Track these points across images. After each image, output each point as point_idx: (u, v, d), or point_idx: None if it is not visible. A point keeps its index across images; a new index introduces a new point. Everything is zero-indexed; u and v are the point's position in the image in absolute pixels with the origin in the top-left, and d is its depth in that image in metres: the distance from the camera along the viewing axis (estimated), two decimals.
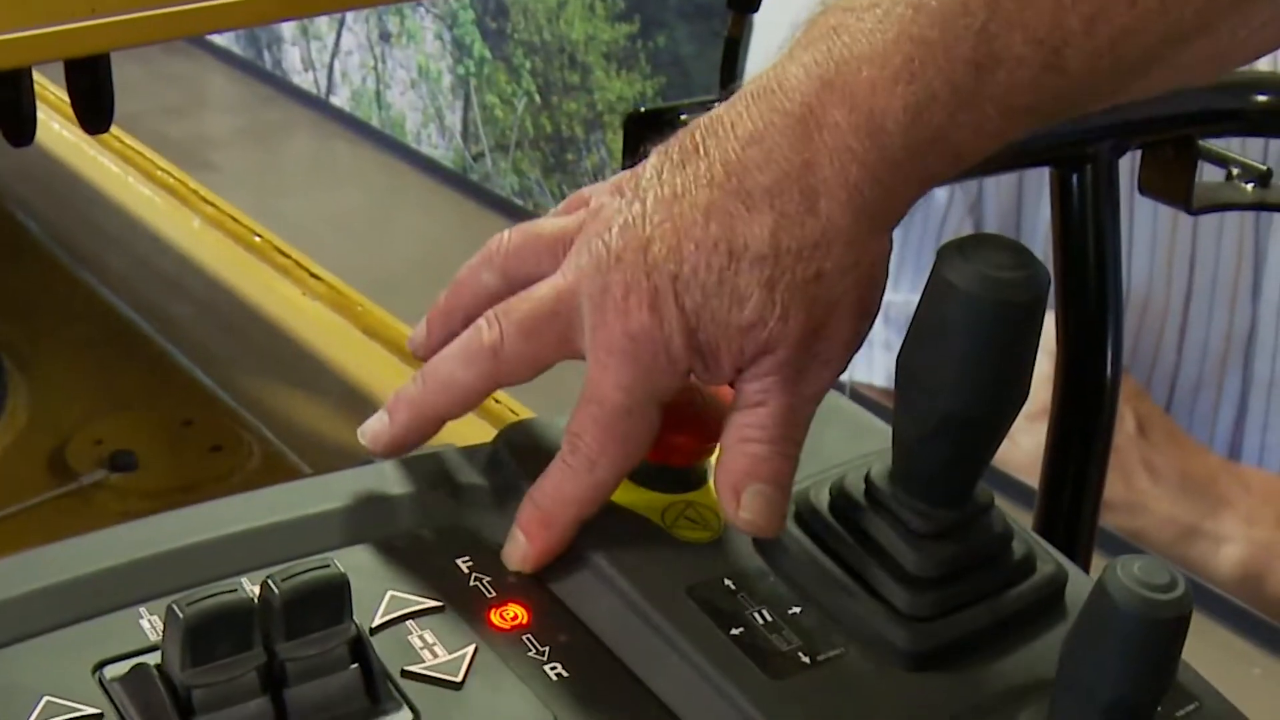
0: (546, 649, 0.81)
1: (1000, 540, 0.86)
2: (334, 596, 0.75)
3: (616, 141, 4.31)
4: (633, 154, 1.19)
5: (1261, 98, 1.27)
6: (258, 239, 1.85)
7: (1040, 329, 0.81)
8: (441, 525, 0.87)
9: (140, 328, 1.81)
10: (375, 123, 5.27)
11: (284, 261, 1.81)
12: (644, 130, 1.18)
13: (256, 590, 0.74)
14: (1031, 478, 1.34)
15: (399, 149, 5.18)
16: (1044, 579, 0.86)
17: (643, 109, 1.18)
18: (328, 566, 0.75)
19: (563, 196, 3.67)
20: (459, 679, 0.78)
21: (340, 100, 5.39)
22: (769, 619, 0.82)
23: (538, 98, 4.67)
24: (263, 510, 0.85)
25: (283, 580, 0.74)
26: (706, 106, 1.20)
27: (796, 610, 0.83)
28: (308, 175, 5.30)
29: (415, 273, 4.28)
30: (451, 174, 5.01)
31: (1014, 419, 0.82)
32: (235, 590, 0.73)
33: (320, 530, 0.85)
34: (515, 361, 0.85)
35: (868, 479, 0.85)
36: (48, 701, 0.74)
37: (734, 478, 0.83)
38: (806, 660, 0.81)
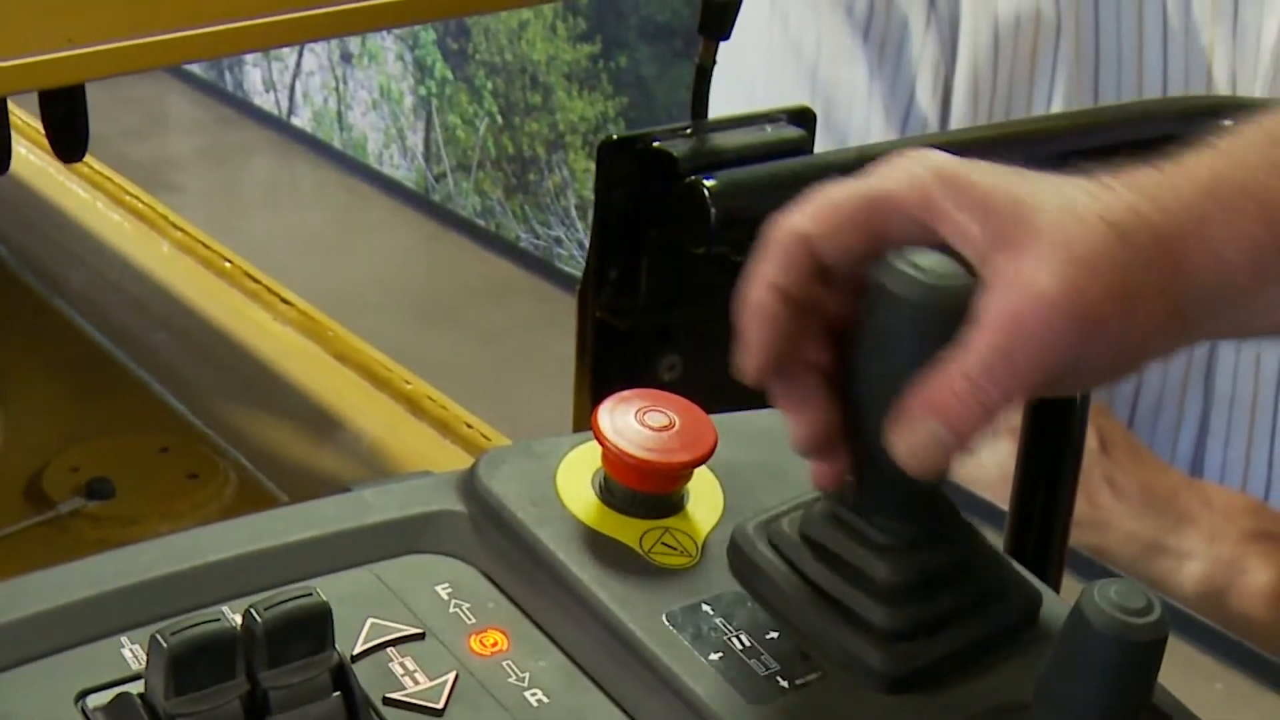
0: (527, 675, 0.81)
1: (971, 556, 0.86)
2: (316, 625, 0.75)
3: (579, 162, 4.32)
4: (605, 180, 1.20)
5: (1229, 123, 1.28)
6: (228, 264, 1.86)
7: None
8: (421, 551, 0.88)
9: (113, 355, 1.81)
10: (337, 144, 5.26)
11: (254, 287, 1.81)
12: (617, 157, 1.19)
13: (238, 619, 0.75)
14: (997, 497, 1.35)
15: (361, 170, 5.17)
16: (1018, 600, 0.87)
17: (615, 136, 1.19)
18: (310, 595, 0.75)
19: (525, 217, 3.67)
20: (440, 706, 0.79)
21: (302, 121, 5.39)
22: (747, 644, 0.83)
23: (499, 118, 4.67)
24: (243, 539, 0.86)
25: (265, 609, 0.74)
26: (679, 133, 1.22)
27: (774, 635, 0.84)
28: (269, 196, 5.29)
29: (378, 293, 4.28)
30: (413, 194, 5.01)
31: None
32: (219, 619, 0.73)
33: (300, 558, 0.85)
34: None
35: (828, 500, 0.86)
36: None
37: (924, 408, 0.79)
38: (785, 684, 0.81)
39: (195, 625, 0.73)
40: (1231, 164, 0.79)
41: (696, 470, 0.90)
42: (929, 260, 0.77)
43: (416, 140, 4.97)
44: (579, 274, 4.04)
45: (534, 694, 0.81)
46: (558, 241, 4.52)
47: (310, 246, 4.56)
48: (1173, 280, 0.78)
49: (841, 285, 0.81)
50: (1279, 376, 3.01)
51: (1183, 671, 2.72)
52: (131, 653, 0.79)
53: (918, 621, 0.83)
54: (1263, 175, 0.78)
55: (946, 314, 0.77)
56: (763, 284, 0.80)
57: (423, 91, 4.91)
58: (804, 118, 1.26)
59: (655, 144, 1.19)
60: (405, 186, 5.03)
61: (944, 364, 0.77)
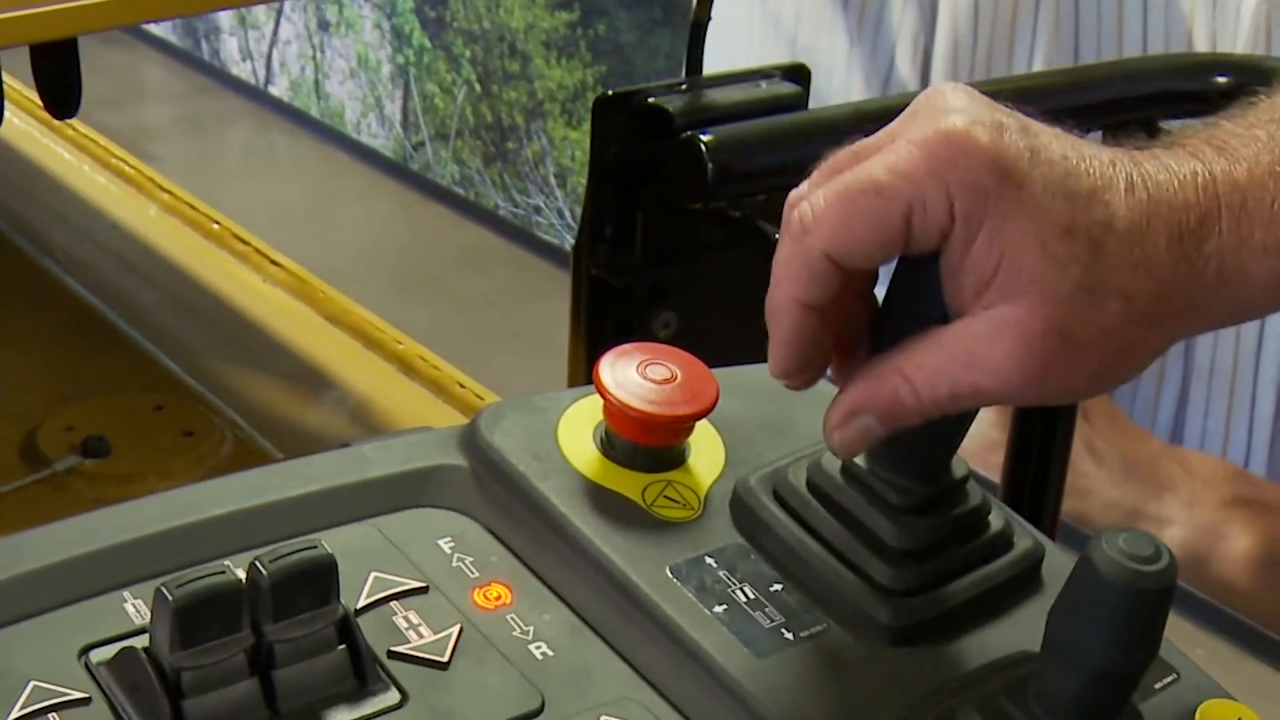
0: (531, 628, 0.81)
1: (977, 513, 0.86)
2: (322, 577, 0.75)
3: (557, 129, 4.31)
4: (600, 137, 1.19)
5: (1221, 79, 1.28)
6: (216, 226, 1.85)
7: None
8: (422, 506, 0.87)
9: (105, 315, 1.80)
10: (314, 113, 5.25)
11: (243, 248, 1.81)
12: (612, 113, 1.19)
13: (241, 573, 0.74)
14: (978, 464, 1.35)
15: (338, 139, 5.16)
16: (1022, 553, 0.87)
17: (610, 93, 1.18)
18: (315, 547, 0.75)
19: (504, 186, 3.66)
20: (445, 659, 0.78)
21: (279, 90, 5.37)
22: (752, 596, 0.83)
23: (478, 86, 4.65)
24: (243, 494, 0.85)
25: (271, 561, 0.74)
26: (673, 89, 1.21)
27: (778, 588, 0.84)
28: (246, 165, 5.28)
29: (356, 262, 4.27)
30: (391, 163, 5.00)
31: None
32: (224, 572, 0.73)
33: (302, 513, 0.85)
34: None
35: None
36: (34, 686, 0.74)
37: (861, 402, 0.80)
38: (790, 637, 0.81)
39: (200, 578, 0.72)
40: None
41: (698, 424, 0.90)
42: None
43: (394, 109, 4.96)
44: (558, 242, 4.03)
45: (538, 647, 0.80)
46: (537, 210, 4.51)
47: (288, 216, 4.55)
48: (1179, 329, 0.78)
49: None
50: (1258, 346, 3.01)
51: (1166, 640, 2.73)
52: (134, 607, 0.78)
53: (924, 580, 0.83)
54: None
55: None
56: (788, 298, 0.80)
57: (400, 60, 4.90)
58: (799, 74, 1.26)
59: (650, 100, 1.19)
60: (383, 155, 5.02)
61: (892, 362, 0.79)
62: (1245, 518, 3.13)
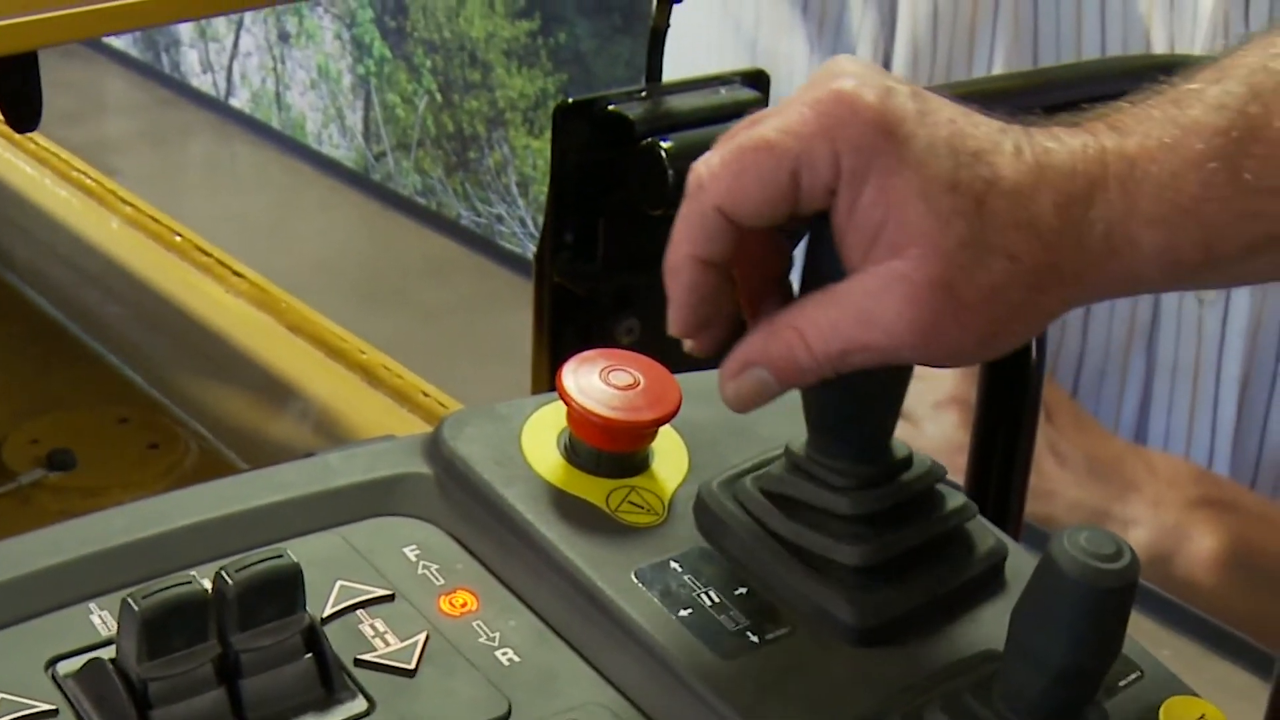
0: (497, 635, 0.82)
1: (927, 482, 0.87)
2: (287, 586, 0.75)
3: (519, 139, 4.31)
4: (561, 144, 1.20)
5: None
6: (178, 238, 1.85)
7: None
8: (387, 514, 0.87)
9: (68, 328, 1.80)
10: (275, 124, 5.24)
11: (205, 260, 1.80)
12: (572, 120, 1.19)
13: (208, 583, 0.74)
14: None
15: (300, 150, 5.15)
16: (984, 553, 0.88)
17: (570, 100, 1.19)
18: (281, 556, 0.75)
19: (466, 195, 3.65)
20: (412, 666, 0.79)
21: (240, 102, 5.36)
22: (717, 600, 0.83)
23: (439, 96, 4.65)
24: (208, 504, 0.85)
25: (236, 571, 0.74)
26: (634, 96, 1.22)
27: (743, 591, 0.84)
28: (208, 178, 5.27)
29: (318, 273, 4.27)
30: (353, 174, 4.99)
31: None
32: (189, 582, 0.73)
33: (267, 522, 0.85)
34: None
35: (787, 450, 0.86)
36: (2, 699, 0.74)
37: (754, 354, 0.82)
38: (755, 640, 0.82)
39: (166, 589, 0.72)
40: (1172, 175, 0.78)
41: (661, 429, 0.90)
42: None
43: (356, 119, 4.96)
44: (521, 251, 4.03)
45: (505, 653, 0.81)
46: (499, 219, 4.51)
47: (250, 227, 4.54)
48: (1068, 295, 0.79)
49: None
50: (1220, 344, 3.02)
51: (1129, 638, 2.73)
52: (100, 619, 0.79)
53: (885, 559, 0.83)
54: (1212, 195, 0.78)
55: None
56: (683, 254, 0.81)
57: (361, 70, 4.89)
58: (758, 80, 1.27)
59: (610, 107, 1.19)
60: (345, 166, 5.02)
61: (788, 317, 0.80)
62: (1209, 518, 3.13)
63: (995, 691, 0.75)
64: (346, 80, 4.95)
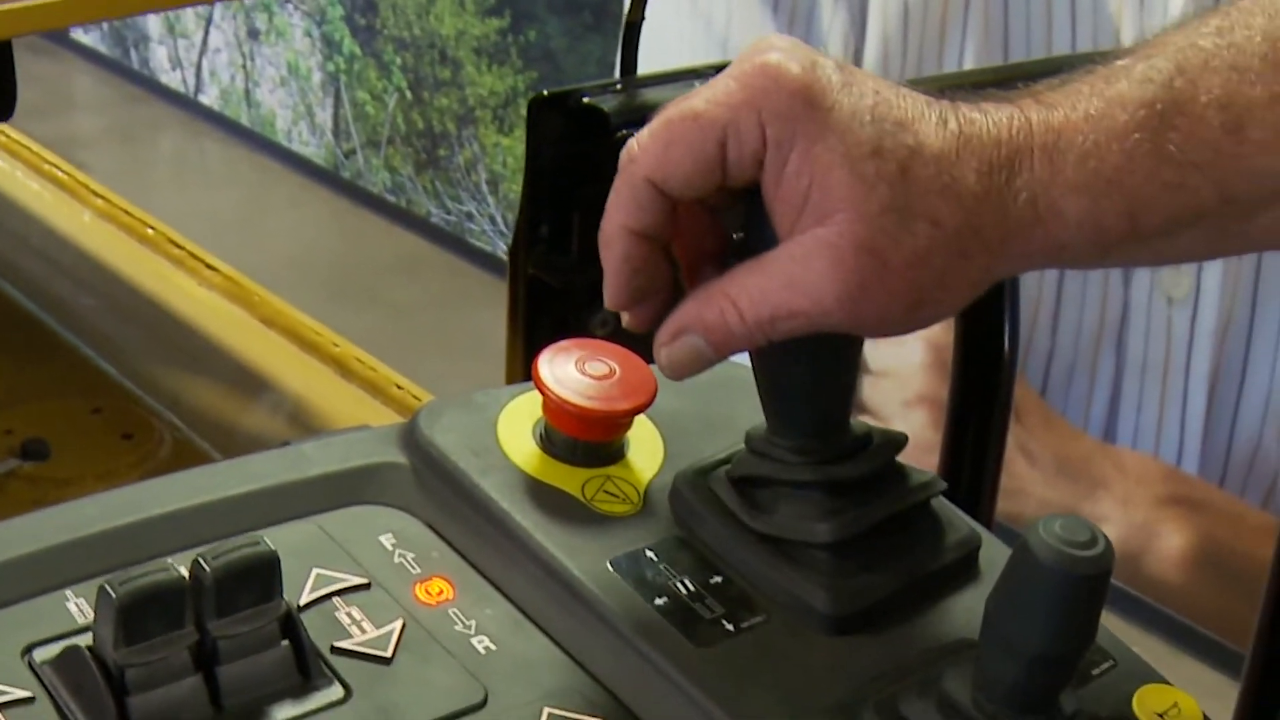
0: (473, 623, 0.82)
1: (888, 455, 0.87)
2: (265, 573, 0.75)
3: (489, 136, 4.31)
4: (536, 137, 1.20)
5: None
6: (151, 231, 1.85)
7: None
8: (363, 503, 0.88)
9: (41, 319, 1.79)
10: (245, 121, 5.23)
11: (178, 253, 1.80)
12: (547, 113, 1.19)
13: (184, 571, 0.74)
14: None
15: (269, 147, 5.15)
16: (957, 541, 0.88)
17: (545, 92, 1.19)
18: (258, 544, 0.75)
19: (435, 193, 3.64)
20: (389, 654, 0.79)
21: (209, 99, 5.35)
22: (692, 589, 0.83)
23: (409, 94, 4.65)
24: (184, 493, 0.85)
25: (214, 558, 0.74)
26: (608, 89, 1.22)
27: (718, 579, 0.84)
28: (177, 174, 5.26)
29: (288, 270, 4.26)
30: (323, 171, 4.99)
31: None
32: (167, 569, 0.73)
33: (243, 511, 0.85)
34: None
35: (747, 437, 0.87)
36: None
37: (689, 320, 0.82)
38: (731, 628, 0.82)
39: (143, 575, 0.72)
40: (1096, 145, 0.79)
41: (636, 419, 0.91)
42: None
43: (325, 117, 4.95)
44: (490, 249, 4.01)
45: (481, 641, 0.81)
46: (469, 216, 4.51)
47: (220, 225, 4.53)
48: (993, 263, 0.80)
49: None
50: (1189, 342, 3.03)
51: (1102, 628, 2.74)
52: (77, 606, 0.79)
53: (857, 532, 0.84)
54: (1135, 166, 0.79)
55: None
56: (616, 225, 0.82)
57: (331, 68, 4.89)
58: None
59: (585, 100, 1.19)
60: (314, 163, 5.01)
61: (720, 285, 0.81)
62: (1178, 516, 3.14)
63: (971, 678, 0.76)
64: (316, 77, 4.94)
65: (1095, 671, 0.83)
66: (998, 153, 0.78)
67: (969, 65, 3.21)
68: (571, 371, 0.88)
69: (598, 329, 1.21)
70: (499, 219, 4.42)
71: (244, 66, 5.20)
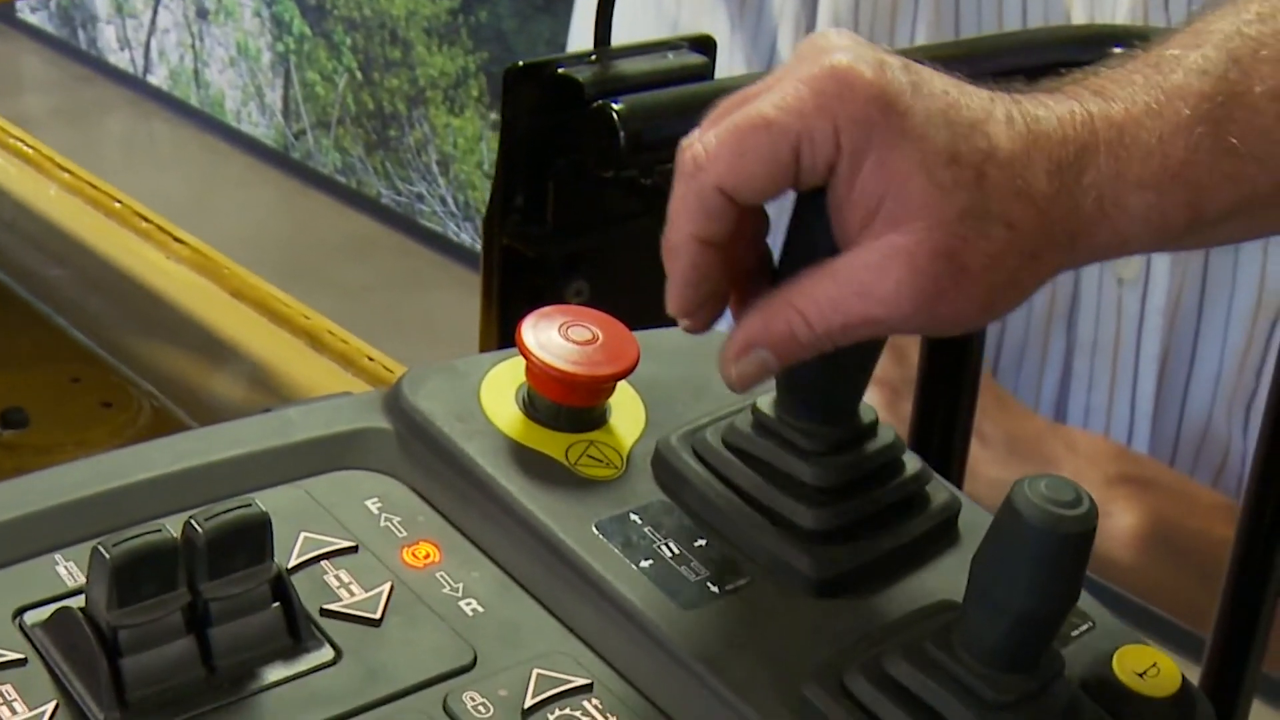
0: (460, 585, 0.82)
1: (891, 454, 0.88)
2: (256, 535, 0.76)
3: (440, 117, 4.31)
4: (511, 107, 1.20)
5: (1118, 49, 1.30)
6: (118, 205, 1.84)
7: None
8: (348, 468, 0.88)
9: (15, 290, 1.79)
10: (194, 101, 5.22)
11: (146, 226, 1.80)
12: (522, 84, 1.20)
13: (175, 533, 0.75)
14: None
15: (219, 128, 5.13)
16: (939, 506, 0.89)
17: (520, 63, 1.19)
18: (250, 506, 0.75)
19: (386, 173, 3.62)
20: (378, 616, 0.79)
21: (158, 79, 5.33)
22: (677, 551, 0.84)
23: (359, 74, 4.64)
24: (170, 458, 0.86)
25: (206, 520, 0.74)
26: (583, 60, 1.22)
27: (702, 542, 0.85)
28: (126, 155, 5.23)
29: (238, 251, 4.23)
30: (273, 152, 4.98)
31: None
32: (160, 530, 0.73)
33: (229, 475, 0.85)
34: None
35: (754, 409, 0.87)
36: None
37: (755, 335, 0.82)
38: (715, 590, 0.82)
39: (137, 536, 0.72)
40: (1160, 140, 0.79)
41: (618, 385, 0.91)
42: None
43: (275, 97, 4.94)
44: (441, 230, 4.00)
45: (469, 604, 0.81)
46: (419, 198, 4.50)
47: (169, 206, 4.49)
48: (1062, 260, 0.80)
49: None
50: (1139, 321, 3.05)
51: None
52: (66, 570, 0.79)
53: (844, 523, 0.85)
54: (1199, 159, 0.79)
55: None
56: (684, 235, 0.81)
57: (280, 48, 4.87)
58: (705, 45, 1.28)
59: (560, 70, 1.20)
60: (264, 144, 5.00)
61: (787, 296, 0.80)
62: (1129, 495, 3.16)
63: (955, 638, 0.76)
64: (266, 58, 4.93)
65: (1075, 633, 0.85)
66: (1065, 151, 0.78)
67: (920, 43, 3.22)
68: (555, 337, 0.88)
69: (572, 298, 1.21)
70: (450, 200, 4.42)
71: (193, 47, 5.18)
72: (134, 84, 5.40)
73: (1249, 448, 2.99)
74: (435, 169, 4.45)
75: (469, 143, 4.33)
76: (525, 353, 0.88)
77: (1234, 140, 0.79)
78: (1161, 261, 2.95)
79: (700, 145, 0.80)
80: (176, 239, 1.76)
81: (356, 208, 4.69)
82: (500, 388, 0.91)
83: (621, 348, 0.89)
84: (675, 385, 0.94)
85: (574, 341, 0.88)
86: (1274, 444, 1.29)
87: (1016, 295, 0.80)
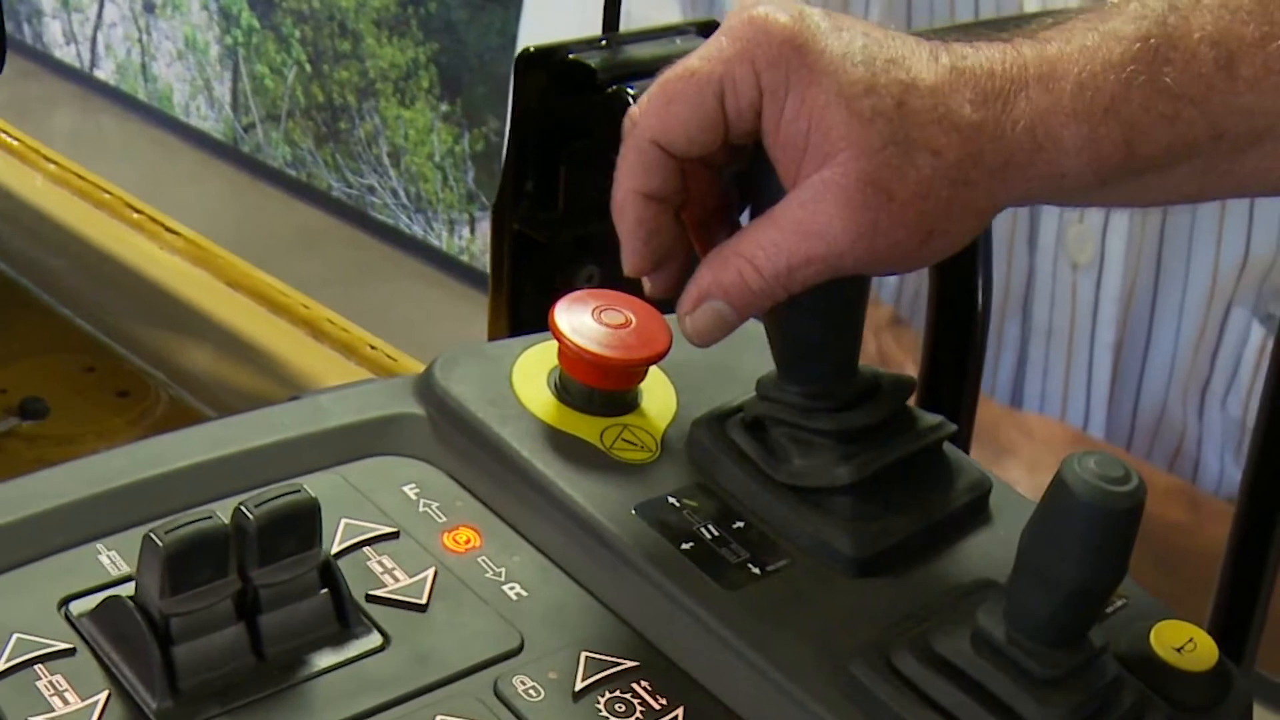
0: (503, 570, 0.82)
1: (900, 401, 0.89)
2: (306, 521, 0.75)
3: (390, 109, 4.30)
4: (522, 93, 1.20)
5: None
6: (107, 195, 1.83)
7: None
8: (383, 454, 0.88)
9: (18, 281, 1.77)
10: (142, 96, 5.19)
11: (137, 217, 1.79)
12: (533, 69, 1.19)
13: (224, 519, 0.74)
14: None
15: (167, 122, 5.11)
16: (970, 484, 0.89)
17: (532, 49, 1.19)
18: (300, 491, 0.75)
19: (336, 166, 3.59)
20: (423, 601, 0.79)
21: (105, 73, 5.30)
22: (716, 533, 0.84)
23: (308, 67, 4.62)
24: (207, 445, 0.85)
25: (257, 506, 0.74)
26: (593, 45, 1.22)
27: (740, 524, 0.85)
28: (74, 150, 5.18)
29: None
30: (222, 146, 4.96)
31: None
32: (211, 517, 0.73)
33: (265, 462, 0.85)
34: None
35: (758, 385, 0.88)
36: (18, 639, 0.74)
37: (707, 286, 0.83)
38: (757, 571, 0.83)
39: (189, 523, 0.72)
40: (1092, 75, 0.81)
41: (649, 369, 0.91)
42: None
43: (224, 91, 4.92)
44: (392, 222, 3.99)
45: (512, 588, 0.81)
46: (370, 190, 4.49)
47: None
48: (996, 191, 0.81)
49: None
50: (1094, 308, 3.06)
51: None
52: (109, 559, 0.78)
53: (872, 477, 0.85)
54: (1131, 95, 0.80)
55: None
56: (626, 190, 0.84)
57: (229, 41, 4.85)
58: (710, 29, 1.27)
59: (571, 56, 1.20)
60: (213, 138, 4.98)
61: (734, 245, 0.82)
62: None
63: (1003, 615, 0.77)
64: (214, 51, 4.91)
65: (1110, 610, 0.85)
66: (992, 84, 0.80)
67: None
68: (589, 321, 0.88)
69: (583, 283, 1.21)
70: (401, 192, 4.41)
71: (140, 40, 5.15)
72: (81, 79, 5.37)
73: (1204, 432, 3.03)
74: (386, 161, 4.44)
75: (420, 134, 4.33)
76: (559, 337, 0.88)
77: (1168, 81, 0.80)
78: (1116, 247, 2.97)
79: (636, 104, 0.83)
80: (169, 229, 1.75)
81: (307, 201, 4.68)
82: (532, 372, 0.91)
83: (655, 331, 0.89)
84: (703, 369, 0.94)
85: (608, 325, 0.88)
86: (1270, 434, 1.29)
87: (954, 227, 0.81)
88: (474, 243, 4.25)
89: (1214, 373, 3.00)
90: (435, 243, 4.34)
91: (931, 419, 0.90)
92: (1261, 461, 1.30)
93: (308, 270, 4.29)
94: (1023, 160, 0.80)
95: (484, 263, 4.12)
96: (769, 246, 0.80)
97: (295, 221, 4.61)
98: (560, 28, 3.51)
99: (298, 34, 4.62)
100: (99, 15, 5.27)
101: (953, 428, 0.90)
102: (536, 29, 3.99)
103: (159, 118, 5.13)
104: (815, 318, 0.85)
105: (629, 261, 0.85)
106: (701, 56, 0.81)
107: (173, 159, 4.98)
